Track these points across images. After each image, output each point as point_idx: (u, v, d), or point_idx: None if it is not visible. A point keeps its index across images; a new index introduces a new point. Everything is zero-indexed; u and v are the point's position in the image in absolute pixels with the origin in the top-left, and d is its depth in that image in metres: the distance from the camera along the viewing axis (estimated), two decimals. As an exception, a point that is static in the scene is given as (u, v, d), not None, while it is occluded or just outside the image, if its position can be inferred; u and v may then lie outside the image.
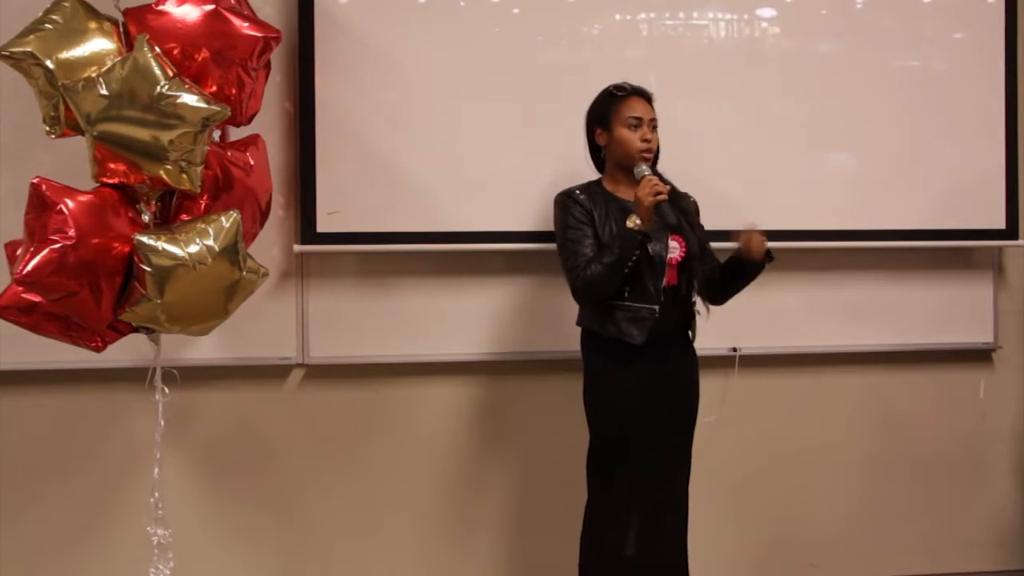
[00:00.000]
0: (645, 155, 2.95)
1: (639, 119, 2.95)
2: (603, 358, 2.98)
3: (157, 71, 2.64)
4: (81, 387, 3.40)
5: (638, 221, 2.82)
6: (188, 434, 3.44)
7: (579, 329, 3.08)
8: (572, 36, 3.54)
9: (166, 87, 2.63)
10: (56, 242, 2.57)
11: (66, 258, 2.57)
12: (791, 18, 3.66)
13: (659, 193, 2.80)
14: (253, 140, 3.08)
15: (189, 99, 2.66)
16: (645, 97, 3.01)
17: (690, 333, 3.05)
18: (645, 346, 2.89)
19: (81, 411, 3.41)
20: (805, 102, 3.67)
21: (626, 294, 2.89)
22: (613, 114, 2.98)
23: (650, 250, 2.88)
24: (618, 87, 3.03)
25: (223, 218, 2.77)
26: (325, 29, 3.37)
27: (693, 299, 3.03)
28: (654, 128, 2.99)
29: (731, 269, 3.03)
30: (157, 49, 2.67)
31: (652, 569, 2.94)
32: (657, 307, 2.90)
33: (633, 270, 2.85)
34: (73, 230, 2.59)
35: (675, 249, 2.96)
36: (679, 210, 2.97)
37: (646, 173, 2.89)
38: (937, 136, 3.72)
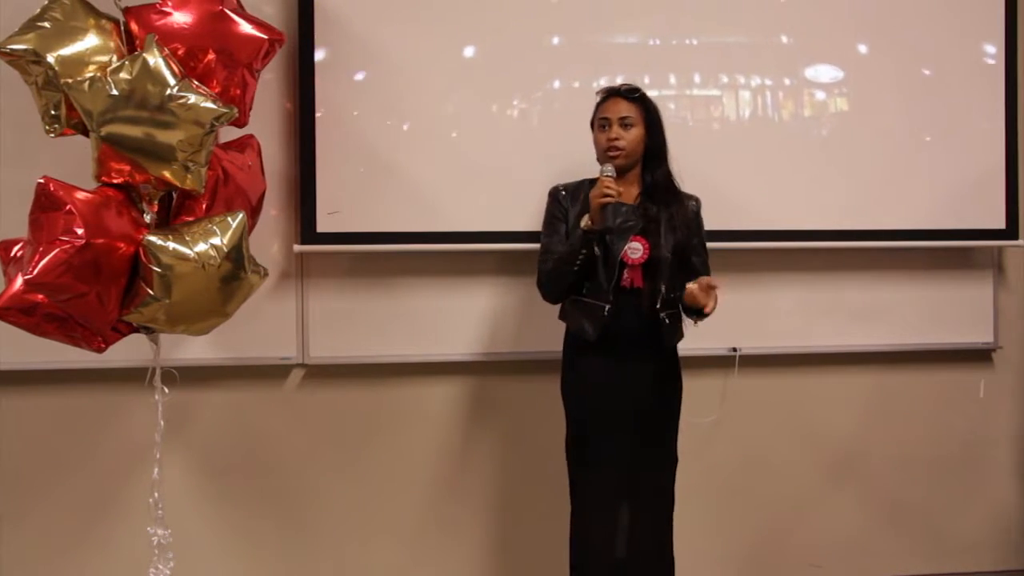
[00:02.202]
0: (611, 153, 2.99)
1: (607, 119, 3.02)
2: (571, 350, 3.08)
3: (167, 72, 2.67)
4: (81, 387, 3.42)
5: (587, 220, 2.89)
6: (188, 434, 3.46)
7: None
8: (571, 38, 3.54)
9: (176, 88, 2.64)
10: (66, 242, 2.57)
11: (76, 258, 2.58)
12: (791, 26, 3.66)
13: (606, 195, 2.85)
14: (248, 141, 3.09)
15: (198, 100, 2.68)
16: (622, 95, 3.04)
17: (665, 338, 3.02)
18: (606, 342, 2.96)
19: (81, 411, 3.44)
20: (806, 103, 3.66)
21: (584, 290, 2.98)
22: (593, 118, 3.09)
23: (595, 249, 2.92)
24: (599, 91, 3.10)
25: (230, 218, 2.80)
26: (325, 29, 3.37)
27: (657, 304, 2.97)
28: (626, 126, 3.01)
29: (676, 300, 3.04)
30: (166, 50, 2.68)
31: (630, 567, 2.96)
32: (607, 305, 2.94)
33: (590, 267, 2.93)
34: (82, 230, 2.59)
35: (637, 251, 2.97)
36: (667, 215, 2.99)
37: (606, 174, 2.93)
38: (937, 136, 3.74)
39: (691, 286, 2.88)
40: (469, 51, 3.49)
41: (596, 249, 2.92)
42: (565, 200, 3.05)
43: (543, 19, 3.52)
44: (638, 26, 3.57)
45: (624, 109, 3.01)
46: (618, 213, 2.92)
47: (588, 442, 2.99)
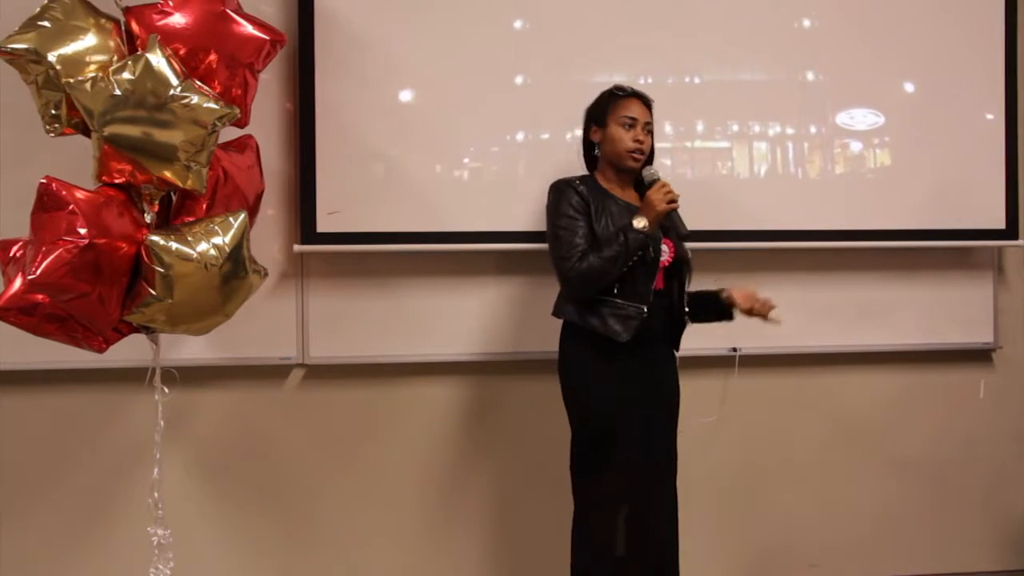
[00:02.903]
0: (635, 156, 3.00)
1: (634, 119, 3.01)
2: (584, 351, 2.99)
3: (170, 72, 2.67)
4: (81, 387, 3.43)
5: (645, 223, 2.83)
6: (188, 434, 3.47)
7: None
8: (569, 40, 3.55)
9: (179, 88, 2.65)
10: (69, 242, 2.57)
11: (78, 259, 2.58)
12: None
13: (672, 200, 2.86)
14: (246, 141, 3.12)
15: (201, 100, 2.69)
16: (644, 101, 3.07)
17: (674, 343, 3.08)
18: (626, 344, 2.92)
19: (81, 411, 3.45)
20: (805, 102, 3.65)
21: (615, 291, 2.93)
22: (610, 112, 3.04)
23: (651, 252, 2.92)
24: (619, 87, 3.09)
25: (231, 218, 2.82)
26: (325, 29, 3.40)
27: (686, 307, 3.06)
28: (648, 132, 3.05)
29: (701, 299, 3.12)
30: (168, 50, 2.70)
31: (642, 567, 2.95)
32: (646, 307, 2.93)
33: (629, 269, 2.89)
34: (85, 230, 2.59)
35: (665, 253, 3.00)
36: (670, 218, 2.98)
37: (658, 177, 2.94)
38: (937, 136, 3.73)
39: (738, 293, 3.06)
40: (468, 51, 3.49)
41: (651, 252, 2.91)
42: (586, 194, 2.97)
43: (542, 22, 3.52)
44: (635, 31, 3.56)
45: (648, 115, 3.04)
46: (673, 216, 2.89)
47: (612, 444, 2.93)
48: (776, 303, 3.06)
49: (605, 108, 3.04)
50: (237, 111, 2.73)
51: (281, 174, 3.45)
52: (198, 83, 2.71)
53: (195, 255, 2.70)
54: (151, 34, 2.70)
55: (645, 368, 2.97)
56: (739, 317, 3.59)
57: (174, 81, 2.65)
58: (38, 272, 2.54)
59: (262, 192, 3.18)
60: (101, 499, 3.44)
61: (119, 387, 3.37)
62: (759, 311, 3.07)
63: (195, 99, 2.66)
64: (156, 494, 2.99)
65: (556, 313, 3.06)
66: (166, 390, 3.02)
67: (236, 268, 2.78)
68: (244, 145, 3.10)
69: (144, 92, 2.63)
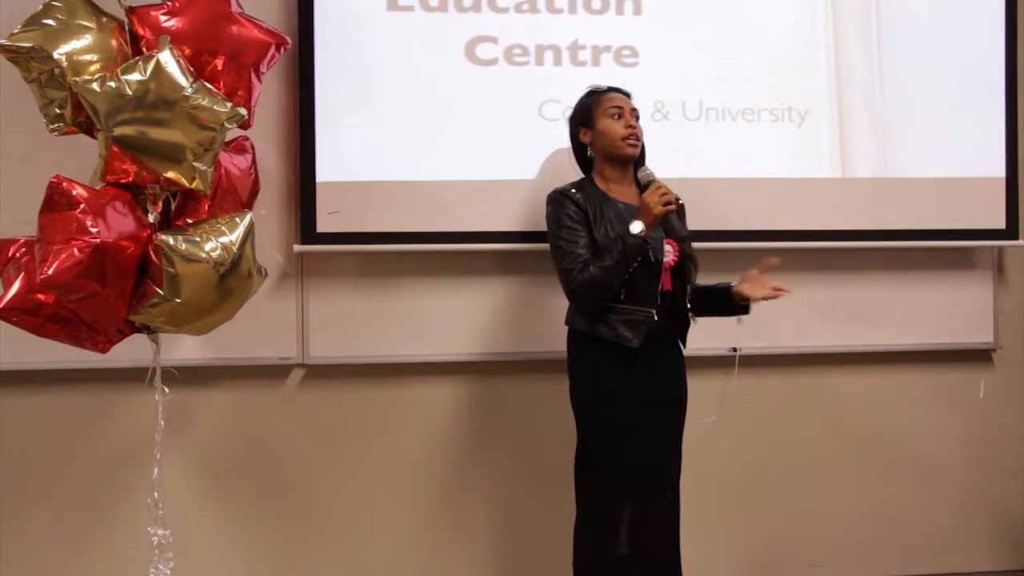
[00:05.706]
0: (630, 141, 3.02)
1: (620, 107, 3.05)
2: (593, 357, 3.00)
3: (180, 73, 2.72)
4: (81, 387, 3.47)
5: (642, 227, 2.83)
6: (188, 434, 3.50)
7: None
8: (566, 42, 3.58)
9: (189, 89, 2.68)
10: (80, 242, 2.60)
11: (89, 258, 2.61)
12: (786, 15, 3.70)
13: (669, 202, 2.86)
14: (243, 142, 3.18)
15: (211, 102, 2.73)
16: (624, 93, 3.12)
17: (681, 341, 3.11)
18: (637, 347, 2.94)
19: (81, 411, 3.49)
20: (805, 103, 3.67)
21: (622, 297, 2.94)
22: (594, 110, 3.08)
23: (651, 256, 2.93)
24: (596, 87, 3.15)
25: (237, 218, 2.87)
26: (325, 29, 3.41)
27: (688, 305, 3.08)
28: (636, 119, 3.08)
29: (711, 297, 3.12)
30: (178, 51, 2.74)
31: (646, 566, 2.98)
32: (654, 311, 2.96)
33: (631, 274, 2.91)
34: (97, 229, 2.62)
35: (669, 253, 3.03)
36: (676, 213, 2.97)
37: (654, 178, 2.95)
38: (937, 136, 3.73)
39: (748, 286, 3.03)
40: (469, 52, 3.52)
41: (651, 255, 2.93)
42: (583, 201, 2.98)
43: (541, 25, 3.55)
44: (630, 22, 3.59)
45: (630, 103, 3.07)
46: (672, 216, 2.90)
47: (618, 445, 2.94)
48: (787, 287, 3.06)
49: (588, 108, 3.08)
50: (245, 112, 2.77)
51: (280, 174, 3.49)
52: (207, 84, 2.76)
53: (204, 255, 2.74)
54: (161, 35, 2.73)
55: (653, 369, 2.99)
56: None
57: (184, 82, 2.69)
58: (50, 272, 2.56)
59: (257, 192, 3.22)
60: (101, 499, 3.48)
61: (119, 387, 3.41)
62: (772, 295, 3.05)
63: (205, 100, 2.71)
64: (156, 494, 3.02)
65: (568, 323, 3.07)
66: (166, 390, 3.05)
67: (242, 268, 2.83)
68: (242, 147, 3.16)
69: (154, 93, 2.67)
